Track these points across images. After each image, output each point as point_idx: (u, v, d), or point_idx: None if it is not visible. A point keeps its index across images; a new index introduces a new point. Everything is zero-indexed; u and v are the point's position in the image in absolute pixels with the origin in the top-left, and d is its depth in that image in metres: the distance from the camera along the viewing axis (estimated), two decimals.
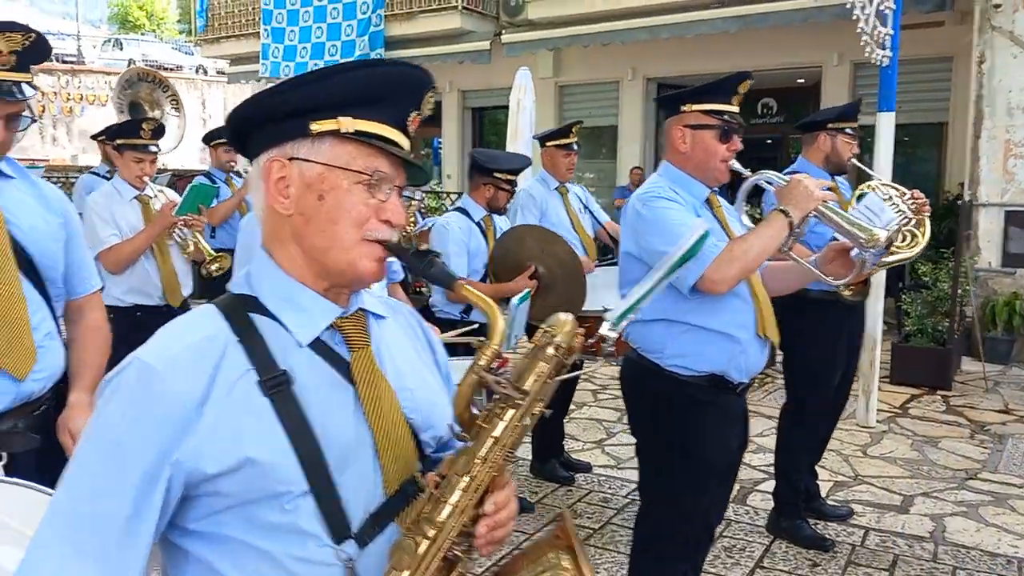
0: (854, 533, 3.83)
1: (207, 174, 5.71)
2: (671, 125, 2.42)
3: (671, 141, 2.43)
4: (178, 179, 7.64)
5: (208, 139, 5.88)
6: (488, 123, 15.39)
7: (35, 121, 1.89)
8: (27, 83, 1.79)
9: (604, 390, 6.36)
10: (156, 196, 3.66)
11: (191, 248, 3.75)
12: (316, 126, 1.12)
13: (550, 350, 1.11)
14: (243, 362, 1.09)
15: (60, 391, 2.00)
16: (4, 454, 1.84)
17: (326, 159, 1.13)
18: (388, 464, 1.15)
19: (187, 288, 3.84)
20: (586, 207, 4.60)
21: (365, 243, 1.15)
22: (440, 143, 17.42)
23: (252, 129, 1.18)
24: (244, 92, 22.30)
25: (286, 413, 1.08)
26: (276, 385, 1.09)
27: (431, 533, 1.06)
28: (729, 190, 2.67)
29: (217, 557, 1.07)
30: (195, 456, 1.03)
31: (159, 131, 3.56)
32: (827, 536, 3.74)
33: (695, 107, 2.37)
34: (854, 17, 5.13)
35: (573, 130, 4.48)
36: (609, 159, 13.60)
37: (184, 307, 3.79)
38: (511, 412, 1.09)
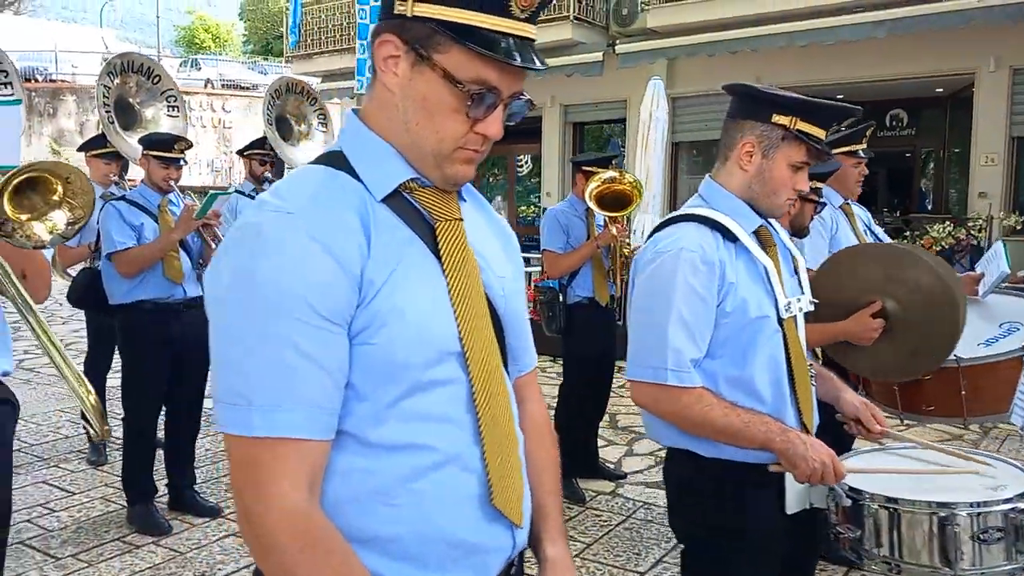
0: None
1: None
2: None
3: None
4: None
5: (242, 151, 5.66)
6: (590, 138, 14.74)
7: (533, 106, 1.20)
8: (531, 42, 1.10)
9: None
10: None
11: None
12: None
13: None
14: None
15: None
16: None
17: None
18: None
19: None
20: (869, 228, 3.84)
21: None
22: (520, 160, 16.88)
23: None
24: (334, 109, 22.06)
25: None
26: None
27: None
28: None
29: None
30: None
31: None
32: None
33: None
34: None
35: (867, 134, 3.68)
36: None
37: None
38: None
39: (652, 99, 9.97)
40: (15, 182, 1.85)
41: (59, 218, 1.94)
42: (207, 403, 4.61)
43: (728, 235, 1.84)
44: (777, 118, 1.82)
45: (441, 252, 1.13)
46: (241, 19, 45.09)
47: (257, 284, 1.00)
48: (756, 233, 1.91)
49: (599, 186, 4.33)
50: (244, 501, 1.03)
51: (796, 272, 2.02)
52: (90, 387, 1.77)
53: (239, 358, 1.01)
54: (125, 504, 4.14)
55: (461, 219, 1.17)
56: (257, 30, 41.68)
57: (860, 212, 3.86)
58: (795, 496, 1.86)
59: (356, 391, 1.06)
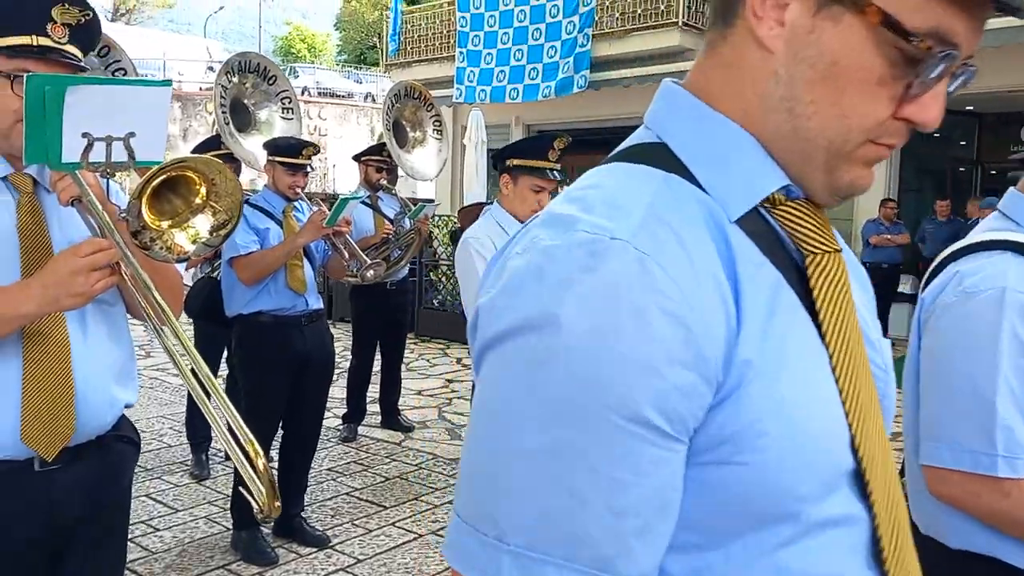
0: None
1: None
2: None
3: None
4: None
5: (358, 156, 5.54)
6: None
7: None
8: None
9: None
10: None
11: None
12: None
13: None
14: None
15: None
16: None
17: None
18: None
19: None
20: None
21: None
22: None
23: None
24: None
25: None
26: None
27: None
28: None
29: None
30: None
31: None
32: None
33: None
34: None
35: None
36: None
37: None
38: None
39: None
40: (155, 183, 1.54)
41: (202, 224, 1.62)
42: (326, 421, 4.35)
43: None
44: None
45: (819, 306, 0.70)
46: (336, 29, 46.10)
47: (557, 354, 0.60)
48: None
49: None
50: None
51: None
52: (259, 447, 1.41)
53: (501, 460, 0.62)
54: (229, 527, 3.89)
55: (840, 249, 0.73)
56: (351, 40, 42.50)
57: None
58: None
59: (701, 535, 0.66)
